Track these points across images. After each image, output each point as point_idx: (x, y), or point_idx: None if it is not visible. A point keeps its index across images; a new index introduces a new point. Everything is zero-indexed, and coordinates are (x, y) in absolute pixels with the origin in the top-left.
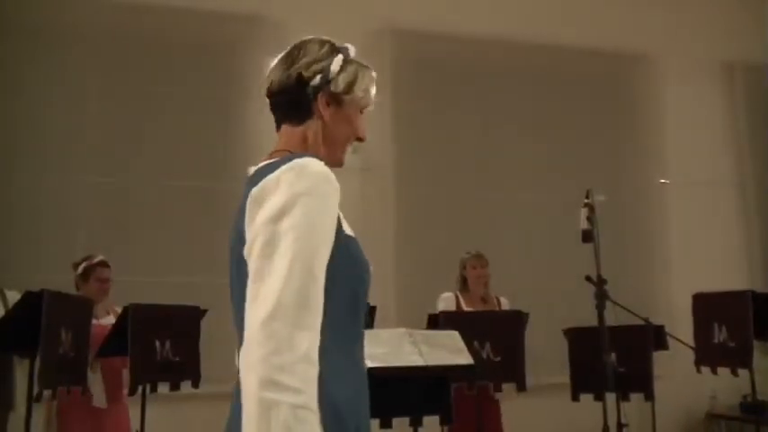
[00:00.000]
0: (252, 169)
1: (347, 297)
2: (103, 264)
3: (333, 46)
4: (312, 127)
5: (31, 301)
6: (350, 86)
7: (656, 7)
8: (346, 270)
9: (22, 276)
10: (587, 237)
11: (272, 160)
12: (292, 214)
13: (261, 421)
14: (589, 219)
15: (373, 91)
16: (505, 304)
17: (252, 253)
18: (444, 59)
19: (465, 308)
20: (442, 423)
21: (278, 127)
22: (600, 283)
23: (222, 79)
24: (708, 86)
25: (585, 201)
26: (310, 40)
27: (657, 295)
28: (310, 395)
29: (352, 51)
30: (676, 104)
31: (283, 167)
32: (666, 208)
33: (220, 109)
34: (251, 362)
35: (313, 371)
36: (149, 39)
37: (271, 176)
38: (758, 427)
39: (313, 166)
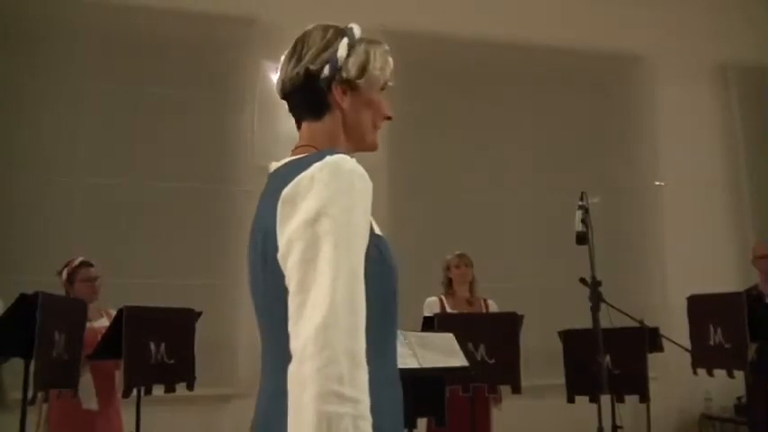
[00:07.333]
0: (274, 165)
1: (382, 298)
2: (86, 264)
3: (336, 30)
4: (333, 119)
5: (26, 303)
6: (362, 69)
7: (651, 8)
8: (379, 271)
9: (17, 278)
10: (582, 239)
11: (298, 156)
12: (330, 215)
13: None
14: (584, 221)
15: (390, 66)
16: (493, 306)
17: (290, 259)
18: (439, 61)
19: (450, 311)
20: (437, 425)
21: (298, 124)
22: (594, 285)
23: (217, 81)
24: (702, 88)
25: (580, 203)
26: (312, 30)
27: (652, 297)
28: (365, 403)
29: (357, 30)
30: (671, 106)
31: (316, 165)
32: (661, 210)
33: (216, 111)
34: (306, 374)
35: (366, 377)
36: (146, 41)
37: (303, 175)
38: (752, 429)
39: (346, 163)
